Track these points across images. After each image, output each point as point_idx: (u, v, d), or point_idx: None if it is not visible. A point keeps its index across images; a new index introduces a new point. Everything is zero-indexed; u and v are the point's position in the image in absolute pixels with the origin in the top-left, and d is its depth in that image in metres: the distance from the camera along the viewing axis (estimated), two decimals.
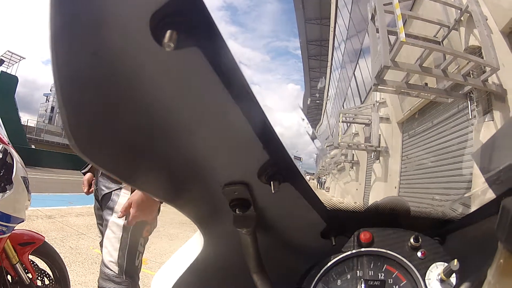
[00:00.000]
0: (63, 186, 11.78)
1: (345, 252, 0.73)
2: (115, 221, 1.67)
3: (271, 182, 0.54)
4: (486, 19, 4.44)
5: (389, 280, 0.70)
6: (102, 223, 1.78)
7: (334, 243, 0.74)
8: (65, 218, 5.99)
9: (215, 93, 0.41)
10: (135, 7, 0.34)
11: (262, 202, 0.62)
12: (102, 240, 1.74)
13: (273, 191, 0.53)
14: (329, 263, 0.72)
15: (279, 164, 0.54)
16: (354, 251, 0.72)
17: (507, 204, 0.47)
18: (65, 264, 2.29)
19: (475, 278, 0.63)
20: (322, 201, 0.69)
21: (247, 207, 0.60)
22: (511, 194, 0.51)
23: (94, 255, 4.03)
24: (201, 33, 0.35)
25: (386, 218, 0.76)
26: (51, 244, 2.23)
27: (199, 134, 0.49)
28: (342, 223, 0.75)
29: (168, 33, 0.33)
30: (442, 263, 0.69)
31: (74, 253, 4.00)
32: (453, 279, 0.66)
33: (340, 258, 0.72)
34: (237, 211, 0.60)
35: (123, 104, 0.43)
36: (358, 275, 0.71)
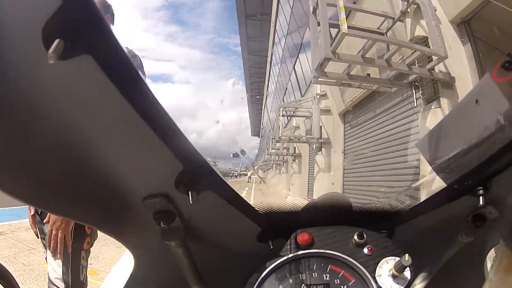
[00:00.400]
0: (11, 198, 11.09)
1: (284, 256, 0.68)
2: None
3: (189, 192, 0.51)
4: (435, 10, 4.37)
5: (335, 280, 0.66)
6: (44, 237, 1.67)
7: (272, 247, 0.71)
8: (15, 233, 5.85)
9: (114, 104, 0.38)
10: (27, 15, 0.32)
11: (187, 213, 0.58)
12: (46, 256, 1.64)
13: (191, 202, 0.50)
14: (267, 269, 0.67)
15: (196, 173, 0.51)
16: (290, 255, 0.68)
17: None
18: (19, 283, 1.87)
19: (430, 270, 0.62)
20: (253, 205, 0.66)
21: (172, 219, 0.57)
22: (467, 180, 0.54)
23: (47, 270, 3.68)
24: (93, 40, 0.33)
25: (327, 216, 0.73)
26: (4, 263, 1.82)
27: (104, 148, 0.46)
28: (278, 225, 0.72)
29: (56, 42, 0.30)
30: (393, 257, 0.65)
31: (27, 270, 3.89)
32: (407, 273, 0.63)
33: (278, 263, 0.68)
34: (162, 224, 0.56)
35: (23, 122, 0.40)
36: (301, 278, 0.66)
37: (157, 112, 0.40)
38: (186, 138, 0.44)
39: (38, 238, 1.75)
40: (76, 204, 0.53)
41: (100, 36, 0.32)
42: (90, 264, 1.78)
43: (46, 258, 1.66)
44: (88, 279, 1.72)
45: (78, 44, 0.31)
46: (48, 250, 1.59)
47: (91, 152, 0.45)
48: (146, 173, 0.51)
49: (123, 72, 0.35)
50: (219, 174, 0.54)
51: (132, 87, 0.37)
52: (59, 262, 1.57)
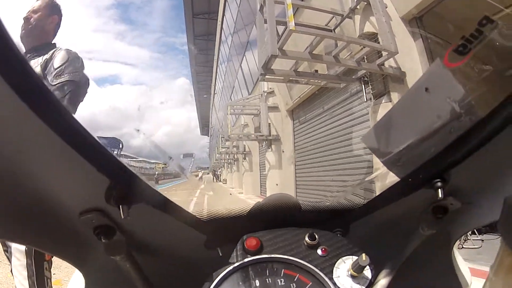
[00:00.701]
0: None
1: (233, 263, 0.63)
2: (17, 247, 1.60)
3: (120, 207, 0.47)
4: (386, 7, 4.35)
5: (291, 285, 0.61)
6: (7, 250, 1.69)
7: (221, 254, 0.68)
8: None
9: (25, 121, 0.35)
10: None
11: (126, 226, 0.55)
12: (11, 269, 1.66)
13: (122, 217, 0.47)
14: (216, 280, 0.61)
15: (125, 186, 0.47)
16: (237, 264, 0.62)
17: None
18: None
19: (392, 266, 0.60)
20: (195, 212, 0.64)
21: (112, 233, 0.54)
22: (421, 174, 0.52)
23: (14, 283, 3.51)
24: None
25: (277, 218, 0.69)
26: None
27: (25, 166, 0.43)
28: (224, 231, 0.68)
29: None
30: (350, 257, 0.62)
31: None
32: (367, 271, 0.59)
33: (227, 273, 0.61)
34: (103, 239, 0.53)
35: None
36: (254, 285, 0.60)
37: (71, 127, 0.37)
38: (109, 151, 0.42)
39: None
40: (13, 226, 0.51)
41: (5, 52, 0.30)
42: (54, 274, 1.77)
43: (11, 271, 1.66)
44: None
45: None
46: (11, 263, 1.60)
47: (15, 172, 0.43)
48: (75, 189, 0.49)
49: (32, 89, 0.33)
50: (150, 185, 0.50)
51: (42, 103, 0.34)
52: (24, 274, 1.58)
